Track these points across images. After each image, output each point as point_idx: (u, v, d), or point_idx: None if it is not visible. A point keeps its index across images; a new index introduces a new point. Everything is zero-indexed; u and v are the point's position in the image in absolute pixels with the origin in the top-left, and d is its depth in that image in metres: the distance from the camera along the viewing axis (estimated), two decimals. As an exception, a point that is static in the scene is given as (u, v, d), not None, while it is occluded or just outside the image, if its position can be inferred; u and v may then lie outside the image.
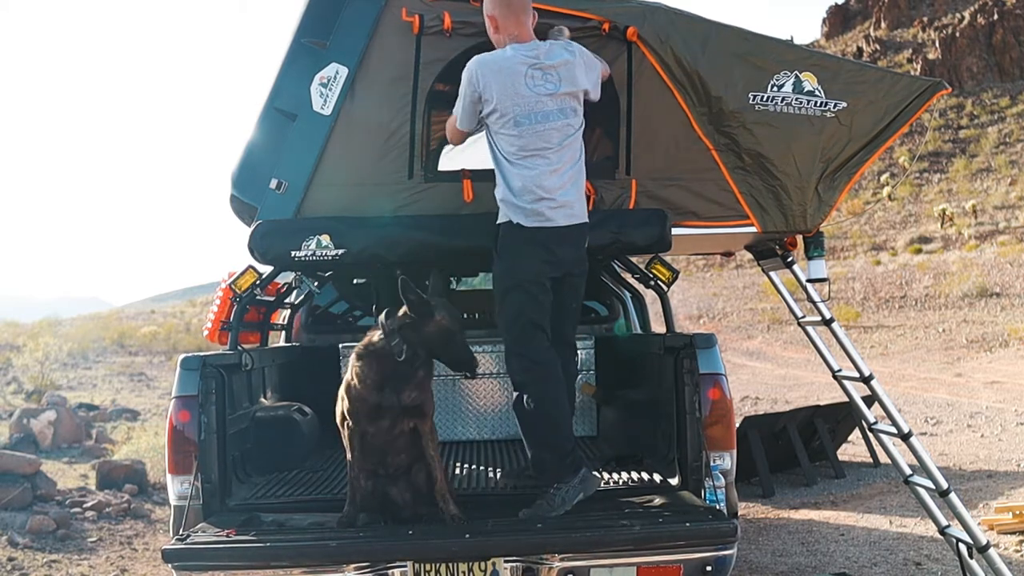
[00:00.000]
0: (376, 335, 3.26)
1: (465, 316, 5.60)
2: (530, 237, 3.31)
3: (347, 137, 3.67)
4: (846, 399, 4.41)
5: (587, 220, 3.44)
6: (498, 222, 3.40)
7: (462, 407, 4.91)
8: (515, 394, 3.39)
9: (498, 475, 3.92)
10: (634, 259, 4.32)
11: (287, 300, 5.11)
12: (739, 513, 3.82)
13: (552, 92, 3.32)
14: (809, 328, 4.29)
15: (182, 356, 3.50)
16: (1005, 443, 8.46)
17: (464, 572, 2.89)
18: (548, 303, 3.37)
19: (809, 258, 4.09)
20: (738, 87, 3.73)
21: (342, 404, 3.28)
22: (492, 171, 3.44)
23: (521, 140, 3.31)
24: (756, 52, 3.77)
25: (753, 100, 3.74)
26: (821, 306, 4.09)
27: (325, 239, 3.55)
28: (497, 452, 4.54)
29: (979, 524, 4.71)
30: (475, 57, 3.37)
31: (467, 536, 2.93)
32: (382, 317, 3.28)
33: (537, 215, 3.29)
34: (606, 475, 3.77)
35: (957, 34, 53.18)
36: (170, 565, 2.84)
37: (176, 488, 3.34)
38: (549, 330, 3.37)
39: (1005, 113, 46.66)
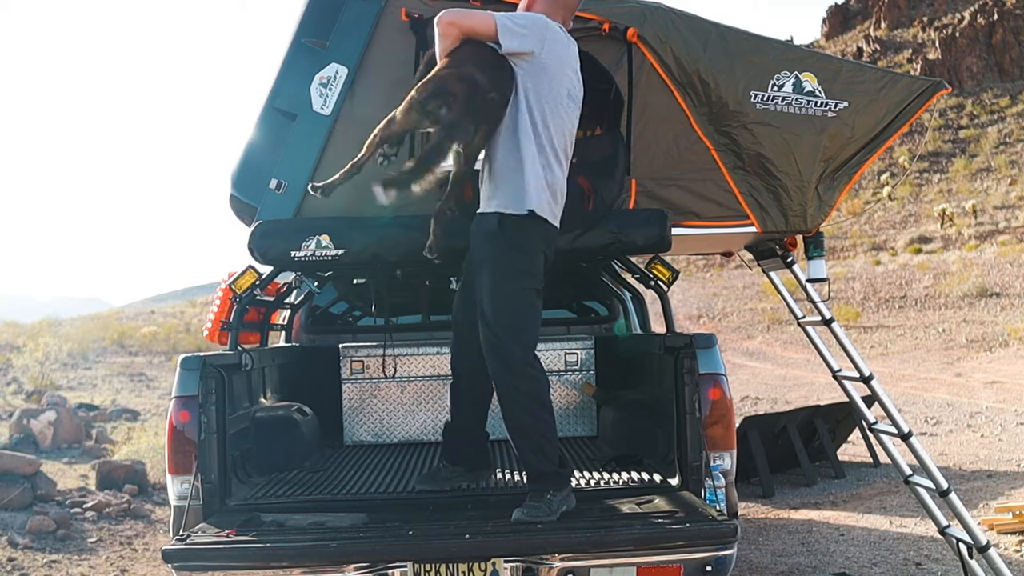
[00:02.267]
0: None
1: None
2: (543, 232, 3.18)
3: (347, 137, 3.66)
4: (846, 399, 4.41)
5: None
6: (501, 211, 3.17)
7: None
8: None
9: (498, 475, 3.91)
10: (634, 259, 4.32)
11: (287, 300, 5.11)
12: (739, 513, 3.81)
13: None
14: (809, 328, 4.29)
15: (182, 356, 3.49)
16: (1005, 443, 8.46)
17: (464, 572, 2.89)
18: None
19: (809, 258, 4.09)
20: (738, 87, 3.73)
21: None
22: None
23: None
24: (756, 52, 3.76)
25: (754, 100, 3.73)
26: (821, 306, 4.09)
27: (325, 239, 3.55)
28: (496, 452, 4.53)
29: (979, 524, 4.71)
30: None
31: (467, 536, 2.92)
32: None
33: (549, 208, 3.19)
34: (606, 475, 3.77)
35: (957, 34, 53.19)
36: (170, 565, 2.84)
37: (176, 488, 3.33)
38: None
39: (1005, 113, 46.67)
